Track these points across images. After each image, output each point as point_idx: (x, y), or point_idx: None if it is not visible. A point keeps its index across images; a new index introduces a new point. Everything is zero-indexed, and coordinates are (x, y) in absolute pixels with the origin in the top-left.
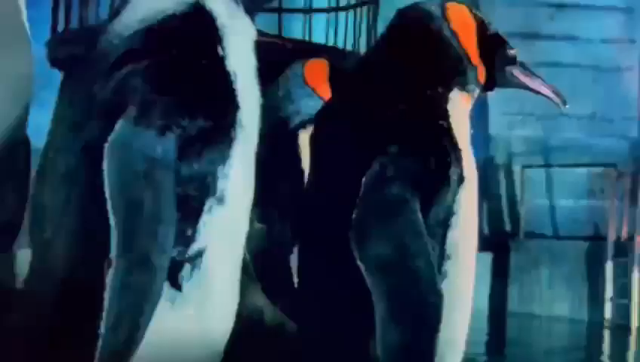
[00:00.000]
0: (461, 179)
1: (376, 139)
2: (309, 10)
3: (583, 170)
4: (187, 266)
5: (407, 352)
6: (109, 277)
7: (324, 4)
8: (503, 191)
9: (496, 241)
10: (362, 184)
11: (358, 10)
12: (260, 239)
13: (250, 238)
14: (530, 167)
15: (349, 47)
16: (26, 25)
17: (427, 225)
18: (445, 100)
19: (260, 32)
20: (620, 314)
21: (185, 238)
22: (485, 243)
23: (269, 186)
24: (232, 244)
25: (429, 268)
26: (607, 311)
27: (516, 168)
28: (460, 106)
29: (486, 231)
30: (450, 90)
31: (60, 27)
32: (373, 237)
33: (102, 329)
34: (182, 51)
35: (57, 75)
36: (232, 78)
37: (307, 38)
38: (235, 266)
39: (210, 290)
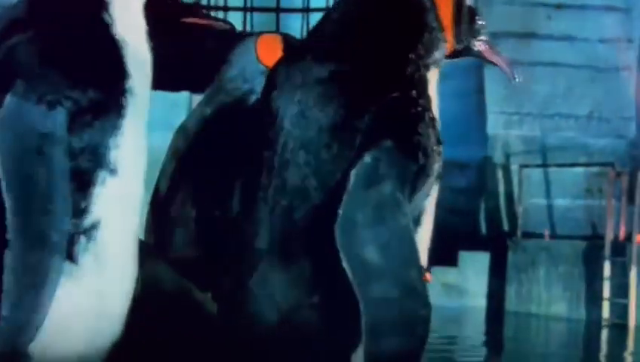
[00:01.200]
0: (440, 175)
1: (368, 129)
2: (306, 10)
3: (580, 170)
4: (82, 238)
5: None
6: (6, 258)
7: (322, 4)
8: (500, 190)
9: (494, 241)
10: (352, 176)
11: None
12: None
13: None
14: (527, 166)
15: None
16: None
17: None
18: (425, 81)
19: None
20: (618, 313)
21: (79, 211)
22: (483, 242)
23: (226, 169)
24: (126, 215)
25: (420, 278)
26: (605, 311)
27: (514, 167)
28: (434, 87)
29: (483, 230)
30: (428, 69)
31: None
32: (362, 240)
33: (3, 312)
34: (67, 20)
35: None
36: (121, 45)
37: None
38: (132, 237)
39: (107, 262)
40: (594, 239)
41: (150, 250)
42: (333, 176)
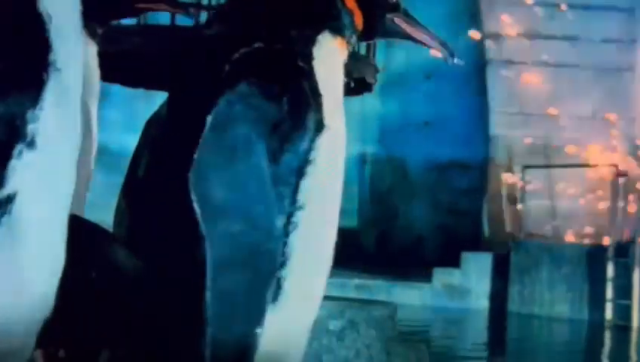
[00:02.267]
0: (320, 127)
1: (226, 75)
2: None
3: (583, 170)
4: None
5: (238, 302)
6: None
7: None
8: (503, 191)
9: (497, 242)
10: (207, 122)
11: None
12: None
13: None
14: (530, 167)
15: None
16: None
17: (278, 171)
18: (311, 42)
19: None
20: (621, 314)
21: None
22: (485, 243)
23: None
24: (48, 191)
25: (268, 214)
26: (608, 312)
27: (516, 168)
28: (329, 50)
29: (486, 231)
30: (318, 32)
31: None
32: (212, 180)
33: None
34: None
35: None
36: (45, 19)
37: None
38: (58, 214)
39: (24, 236)
40: (597, 240)
41: (102, 231)
42: (199, 125)
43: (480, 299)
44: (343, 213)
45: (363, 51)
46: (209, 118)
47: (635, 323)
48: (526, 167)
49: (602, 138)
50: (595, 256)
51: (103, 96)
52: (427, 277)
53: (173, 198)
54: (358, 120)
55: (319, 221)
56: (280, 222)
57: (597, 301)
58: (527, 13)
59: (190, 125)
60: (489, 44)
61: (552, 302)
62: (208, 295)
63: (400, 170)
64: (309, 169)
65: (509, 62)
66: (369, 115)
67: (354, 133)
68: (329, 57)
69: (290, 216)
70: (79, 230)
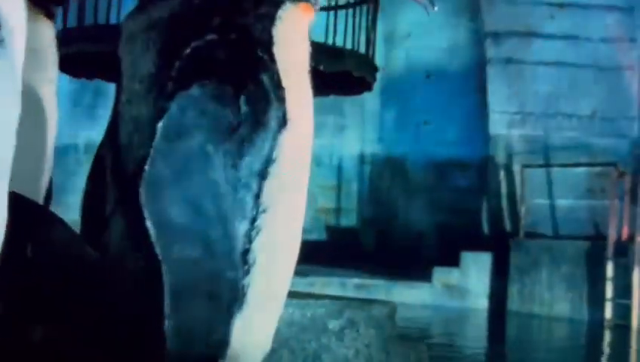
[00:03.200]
0: (283, 122)
1: (177, 75)
2: None
3: (583, 170)
4: None
5: (198, 334)
6: None
7: (324, 3)
8: (503, 190)
9: (496, 241)
10: (158, 129)
11: (358, 8)
12: None
13: None
14: (530, 166)
15: (348, 46)
16: None
17: (239, 176)
18: (271, 22)
19: None
20: (621, 314)
21: None
22: (485, 243)
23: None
24: None
25: (228, 238)
26: (608, 311)
27: (516, 167)
28: (292, 26)
29: (486, 230)
30: (278, 6)
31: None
32: (165, 197)
33: None
34: None
35: None
36: None
37: None
38: None
39: None
40: (597, 239)
41: (43, 210)
42: (151, 130)
43: (479, 299)
44: (343, 212)
45: (363, 50)
46: (160, 125)
47: (634, 323)
48: (525, 166)
49: (602, 137)
50: (594, 255)
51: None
52: (427, 277)
53: (127, 213)
54: (358, 119)
55: (284, 222)
56: (242, 229)
57: (596, 300)
58: (526, 11)
59: (140, 131)
60: (489, 42)
61: (551, 301)
62: (167, 324)
63: (399, 169)
64: (272, 169)
65: (509, 61)
66: (368, 114)
67: (353, 133)
68: (292, 35)
69: (253, 221)
70: (18, 206)
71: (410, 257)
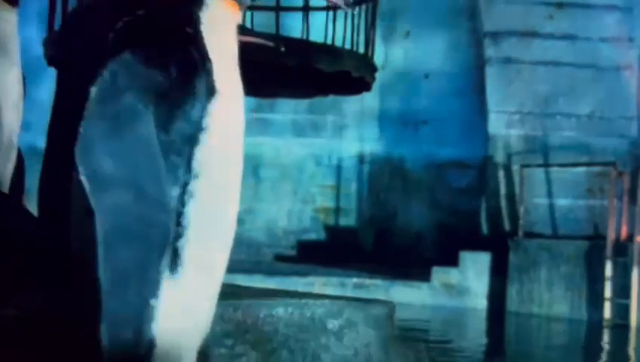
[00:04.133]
0: (211, 92)
1: (110, 45)
2: (307, 9)
3: (582, 170)
4: None
5: (131, 275)
6: None
7: (323, 3)
8: (501, 190)
9: (495, 241)
10: (91, 93)
11: (357, 8)
12: None
13: None
14: (529, 166)
15: (347, 46)
16: None
17: (170, 141)
18: (198, 6)
19: (254, 31)
20: (620, 313)
21: None
22: (484, 242)
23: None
24: None
25: (159, 185)
26: (607, 311)
27: (515, 167)
28: (219, 13)
29: (485, 230)
30: None
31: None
32: (98, 152)
33: None
34: None
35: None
36: None
37: (305, 37)
38: None
39: None
40: (596, 239)
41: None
42: (82, 99)
43: (478, 298)
44: (342, 212)
45: (362, 50)
46: (92, 89)
47: (633, 322)
48: (524, 166)
49: (601, 137)
50: (593, 255)
51: None
52: (426, 276)
53: (65, 173)
54: (357, 119)
55: (217, 190)
56: (174, 192)
57: (596, 300)
58: (525, 11)
59: (76, 98)
60: (487, 42)
61: (550, 301)
62: (100, 269)
63: (398, 169)
64: (203, 136)
65: (508, 61)
66: (367, 114)
67: (352, 133)
68: (219, 20)
69: (185, 185)
70: None
71: (409, 257)
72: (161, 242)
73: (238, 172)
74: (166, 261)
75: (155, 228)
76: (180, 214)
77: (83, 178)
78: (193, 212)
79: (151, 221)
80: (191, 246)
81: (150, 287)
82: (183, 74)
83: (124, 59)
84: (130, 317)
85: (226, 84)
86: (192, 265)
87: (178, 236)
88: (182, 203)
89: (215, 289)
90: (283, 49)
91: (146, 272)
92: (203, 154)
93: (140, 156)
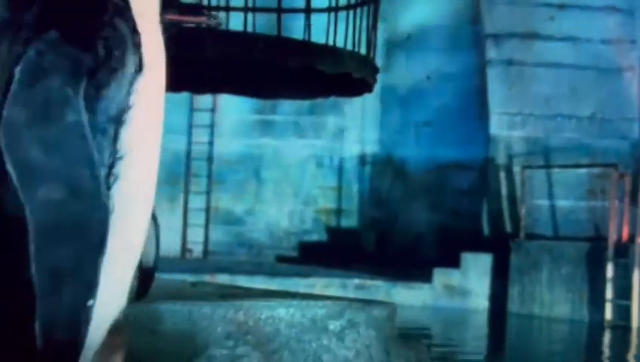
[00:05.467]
0: (139, 68)
1: (35, 22)
2: (308, 10)
3: (583, 171)
4: None
5: (66, 275)
6: None
7: (325, 4)
8: (503, 191)
9: (497, 242)
10: (15, 74)
11: (359, 9)
12: None
13: None
14: (530, 167)
15: (348, 48)
16: None
17: (96, 121)
18: None
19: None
20: (621, 315)
21: None
22: (485, 244)
23: None
24: None
25: (93, 178)
26: (608, 312)
27: (516, 169)
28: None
29: (486, 231)
30: None
31: None
32: (25, 140)
33: None
34: None
35: None
36: None
37: (306, 38)
38: None
39: None
40: (597, 240)
41: None
42: (8, 77)
43: (480, 300)
44: (343, 213)
45: (363, 52)
46: (17, 70)
47: (634, 324)
48: (526, 167)
49: (602, 138)
50: (594, 256)
51: None
52: (427, 278)
53: None
54: (358, 120)
55: (140, 169)
56: (102, 174)
57: (597, 301)
58: (527, 13)
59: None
60: (489, 44)
61: (551, 302)
62: (33, 268)
63: (400, 171)
64: (129, 115)
65: (509, 63)
66: (369, 116)
67: (354, 134)
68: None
69: (110, 167)
70: None
71: (410, 258)
72: (98, 239)
73: (158, 148)
74: (103, 259)
75: (92, 225)
76: (106, 197)
77: (10, 168)
78: (118, 194)
79: (87, 217)
80: (113, 231)
81: (87, 287)
82: (112, 51)
83: (50, 37)
84: (66, 318)
85: (151, 54)
86: (113, 246)
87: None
88: (107, 185)
89: (132, 269)
90: (218, 22)
91: (81, 272)
92: (128, 134)
93: (72, 146)
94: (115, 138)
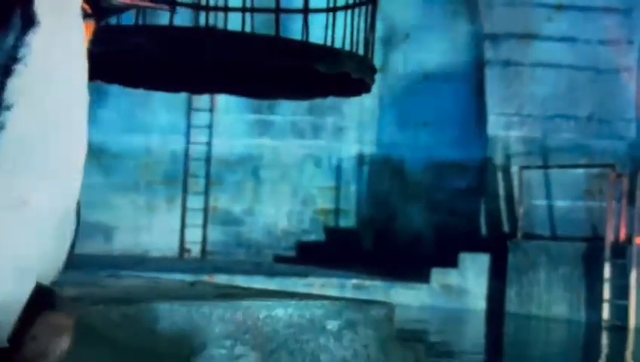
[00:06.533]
0: (29, 23)
1: None
2: (306, 11)
3: (580, 171)
4: None
5: None
6: None
7: (323, 5)
8: (501, 191)
9: (494, 242)
10: None
11: (357, 9)
12: None
13: None
14: (528, 167)
15: (347, 48)
16: None
17: None
18: None
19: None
20: (618, 315)
21: None
22: (483, 244)
23: None
24: None
25: None
26: (605, 312)
27: (514, 169)
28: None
29: (484, 231)
30: None
31: None
32: None
33: None
34: None
35: None
36: None
37: (305, 39)
38: None
39: None
40: (594, 241)
41: None
42: None
43: (477, 300)
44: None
45: (361, 52)
46: None
47: (631, 324)
48: (523, 167)
49: (600, 139)
50: (592, 256)
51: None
52: (425, 278)
53: None
54: (356, 121)
55: (36, 123)
56: None
57: (594, 301)
58: (525, 14)
59: None
60: (487, 44)
61: (549, 302)
62: None
63: (398, 171)
64: (18, 67)
65: (507, 63)
66: (367, 116)
67: (352, 134)
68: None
69: None
70: None
71: (408, 258)
72: None
73: (74, 107)
74: None
75: None
76: None
77: None
78: (3, 143)
79: None
80: None
81: None
82: None
83: None
84: None
85: (50, 16)
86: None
87: None
88: None
89: (35, 225)
90: (172, 9)
91: None
92: (17, 86)
93: None
94: (2, 88)
